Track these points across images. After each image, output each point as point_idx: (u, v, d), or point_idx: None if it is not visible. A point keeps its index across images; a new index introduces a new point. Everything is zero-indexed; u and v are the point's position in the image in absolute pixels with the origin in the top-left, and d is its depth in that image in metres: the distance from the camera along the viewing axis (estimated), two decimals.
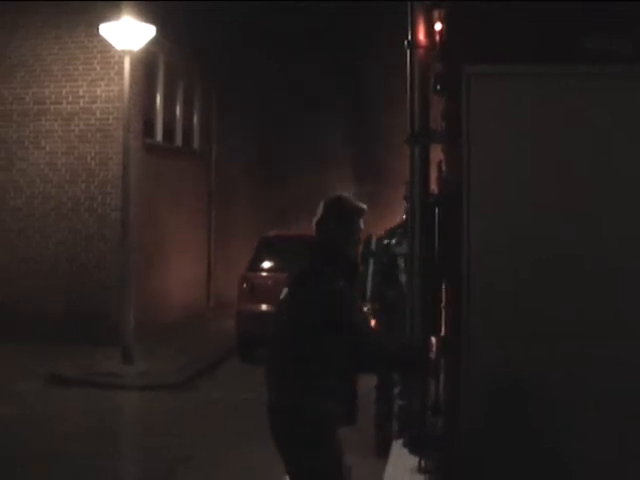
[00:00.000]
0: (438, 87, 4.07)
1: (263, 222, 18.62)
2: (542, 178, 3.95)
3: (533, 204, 3.96)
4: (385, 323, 7.55)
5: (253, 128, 20.85)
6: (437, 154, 4.23)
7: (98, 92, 14.30)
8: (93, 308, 13.95)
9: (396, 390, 7.42)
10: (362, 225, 4.57)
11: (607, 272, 3.91)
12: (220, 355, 13.80)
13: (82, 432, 9.16)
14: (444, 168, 4.17)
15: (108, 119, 14.28)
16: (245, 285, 13.61)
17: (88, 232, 14.42)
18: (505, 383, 3.97)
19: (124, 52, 12.37)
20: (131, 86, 12.42)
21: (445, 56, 4.07)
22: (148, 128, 15.52)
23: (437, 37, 4.16)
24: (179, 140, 17.39)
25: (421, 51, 4.11)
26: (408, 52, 4.14)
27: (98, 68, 14.29)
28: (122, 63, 12.54)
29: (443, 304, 4.17)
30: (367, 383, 7.12)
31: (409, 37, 4.13)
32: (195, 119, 18.33)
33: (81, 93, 14.37)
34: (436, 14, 4.19)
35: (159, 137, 16.27)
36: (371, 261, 7.63)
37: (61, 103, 14.46)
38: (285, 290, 4.51)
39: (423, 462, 5.10)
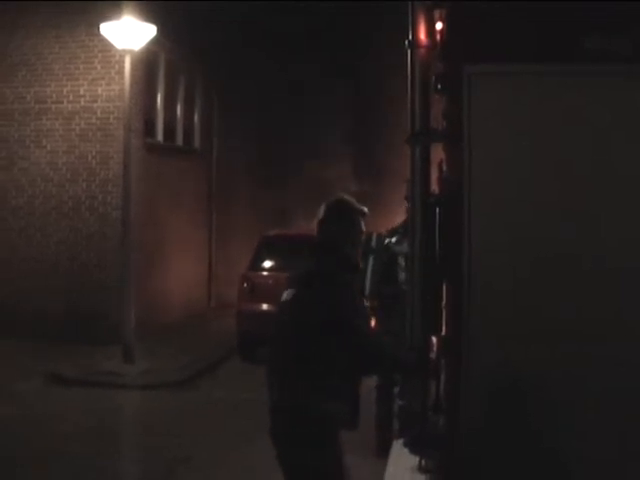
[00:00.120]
0: (439, 87, 4.07)
1: (263, 222, 18.61)
2: (542, 177, 3.96)
3: (533, 203, 3.96)
4: (383, 321, 7.56)
5: (253, 128, 20.86)
6: (438, 154, 4.23)
7: (99, 91, 14.31)
8: (93, 307, 13.96)
9: (396, 390, 7.42)
10: (364, 227, 4.60)
11: (607, 271, 3.91)
12: (221, 355, 13.80)
13: (82, 432, 9.16)
14: (445, 168, 4.17)
15: (109, 118, 14.29)
16: (246, 285, 13.62)
17: (89, 231, 14.43)
18: (505, 383, 3.97)
19: (125, 51, 12.37)
20: (132, 85, 12.42)
21: (446, 56, 4.07)
22: (149, 127, 15.53)
23: (438, 37, 4.16)
24: (180, 139, 17.40)
25: (422, 51, 4.11)
26: (409, 52, 4.14)
27: (99, 67, 14.30)
28: (123, 62, 12.55)
29: (444, 304, 4.18)
30: (367, 383, 7.12)
31: (410, 37, 4.14)
32: (196, 118, 18.34)
33: (82, 92, 14.38)
34: (437, 14, 4.20)
35: (160, 136, 16.28)
36: (371, 258, 7.64)
37: (62, 102, 14.47)
38: (288, 291, 4.51)
39: (424, 462, 5.11)
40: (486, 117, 3.96)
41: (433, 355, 4.29)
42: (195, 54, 17.24)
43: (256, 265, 13.87)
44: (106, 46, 13.41)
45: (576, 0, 3.94)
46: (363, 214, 4.58)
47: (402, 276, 7.25)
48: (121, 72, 13.00)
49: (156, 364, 12.47)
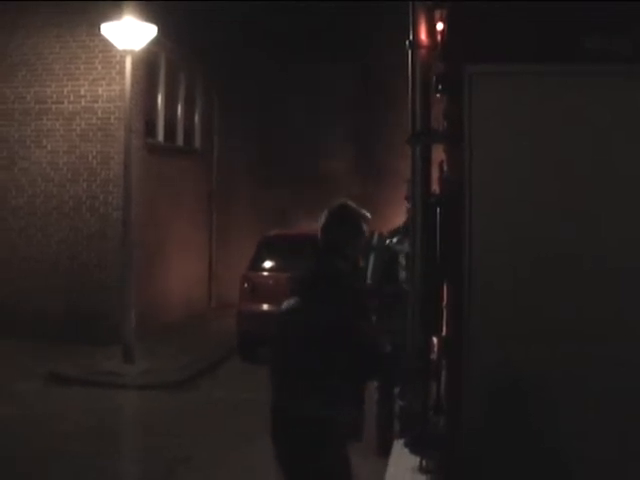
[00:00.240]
0: (440, 87, 4.07)
1: (263, 222, 18.62)
2: (542, 177, 3.96)
3: (533, 203, 3.96)
4: (384, 320, 7.55)
5: (253, 128, 20.87)
6: (439, 154, 4.24)
7: (100, 91, 14.32)
8: (94, 307, 13.96)
9: (397, 390, 7.42)
10: (367, 232, 4.62)
11: (607, 271, 3.91)
12: (221, 355, 13.81)
13: (82, 432, 9.16)
14: (445, 168, 4.17)
15: (109, 118, 14.30)
16: (246, 285, 13.62)
17: (89, 231, 14.44)
18: (505, 383, 3.97)
19: (125, 52, 12.38)
20: (132, 86, 12.43)
21: (446, 56, 4.07)
22: (149, 128, 15.53)
23: (438, 37, 4.16)
24: (180, 140, 17.41)
25: (422, 51, 4.11)
26: (409, 52, 4.14)
27: (100, 67, 14.31)
28: (123, 63, 12.55)
29: (444, 304, 4.18)
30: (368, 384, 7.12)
31: (410, 37, 4.14)
32: (196, 119, 18.35)
33: (82, 92, 14.39)
34: (437, 14, 4.20)
35: (160, 137, 16.29)
36: (372, 256, 7.65)
37: (62, 102, 14.47)
38: (292, 300, 4.49)
39: (424, 462, 5.11)
40: (486, 117, 3.97)
41: (434, 355, 4.29)
42: (195, 54, 17.24)
43: (256, 265, 13.87)
44: (107, 46, 13.42)
45: (576, 0, 3.94)
46: (366, 219, 4.60)
47: (402, 275, 7.27)
48: (122, 72, 13.01)
49: (156, 364, 12.47)
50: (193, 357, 13.23)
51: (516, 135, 3.97)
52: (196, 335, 15.46)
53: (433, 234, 4.11)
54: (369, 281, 7.66)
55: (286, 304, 4.56)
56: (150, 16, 12.62)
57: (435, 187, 4.24)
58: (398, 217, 9.03)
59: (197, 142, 18.35)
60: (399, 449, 6.03)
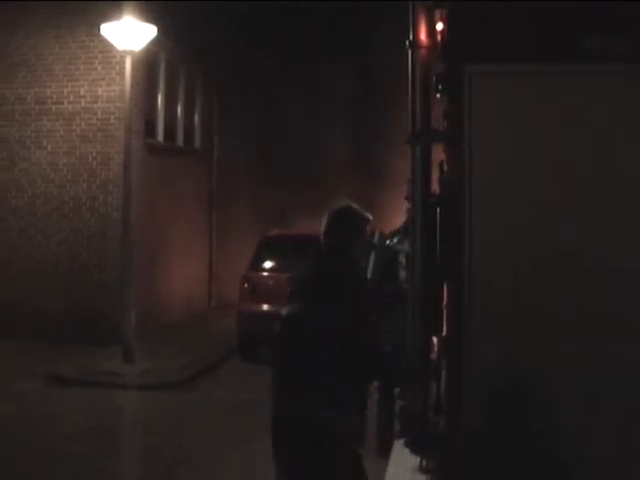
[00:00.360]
0: (440, 87, 4.07)
1: (263, 222, 18.62)
2: (542, 177, 3.96)
3: (533, 203, 3.96)
4: (384, 319, 7.55)
5: (253, 128, 20.86)
6: (439, 154, 4.24)
7: (99, 92, 14.32)
8: (93, 308, 13.96)
9: (397, 390, 7.42)
10: (367, 231, 4.62)
11: (607, 271, 3.91)
12: (221, 355, 13.81)
13: (82, 432, 9.17)
14: (445, 168, 4.17)
15: (109, 119, 14.30)
16: (246, 285, 13.62)
17: (89, 231, 14.45)
18: (505, 383, 3.97)
19: (125, 52, 12.38)
20: (132, 86, 12.43)
21: (446, 56, 4.07)
22: (149, 128, 15.53)
23: (438, 37, 4.16)
24: (180, 140, 17.41)
25: (422, 51, 4.11)
26: (409, 52, 4.14)
27: (99, 68, 14.31)
28: (123, 63, 12.56)
29: (444, 304, 4.18)
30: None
31: (410, 37, 4.14)
32: (196, 119, 18.35)
33: (82, 93, 14.39)
34: (437, 14, 4.20)
35: (160, 137, 16.29)
36: (372, 255, 7.65)
37: (62, 103, 14.48)
38: (294, 299, 4.49)
39: (424, 462, 5.11)
40: (486, 117, 3.97)
41: (434, 355, 4.29)
42: (195, 54, 17.24)
43: (256, 265, 13.87)
44: (106, 47, 13.42)
45: (576, 0, 3.94)
46: (366, 220, 4.60)
47: (402, 274, 7.27)
48: (122, 73, 13.01)
49: (156, 364, 12.47)
50: (193, 357, 13.23)
51: (516, 135, 3.97)
52: (196, 335, 15.47)
53: (433, 234, 4.11)
54: (369, 280, 7.65)
55: (287, 305, 4.55)
56: (150, 16, 12.62)
57: (435, 187, 4.24)
58: (398, 217, 9.03)
59: (197, 142, 18.35)
60: (399, 449, 6.03)
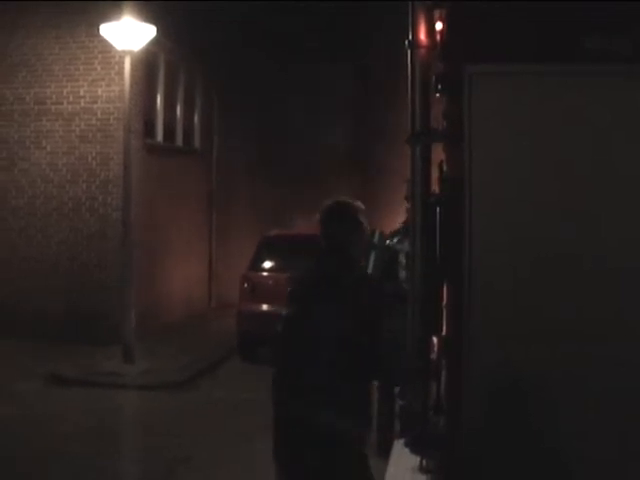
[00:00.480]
0: (439, 87, 4.07)
1: (263, 222, 18.62)
2: (542, 177, 3.96)
3: (533, 203, 3.96)
4: (384, 319, 7.55)
5: (253, 128, 20.86)
6: (438, 154, 4.24)
7: (99, 92, 14.32)
8: (93, 308, 13.96)
9: (397, 390, 7.42)
10: (365, 223, 4.57)
11: (607, 271, 3.91)
12: (221, 355, 13.81)
13: (82, 432, 9.16)
14: (445, 168, 4.17)
15: (109, 119, 14.29)
16: (246, 285, 13.62)
17: (89, 231, 14.44)
18: (505, 383, 3.97)
19: (125, 52, 12.38)
20: (132, 86, 12.43)
21: (446, 56, 4.07)
22: (149, 128, 15.53)
23: (438, 37, 4.16)
24: (180, 140, 17.40)
25: (422, 51, 4.11)
26: (409, 52, 4.14)
27: (99, 68, 14.30)
28: (123, 63, 12.55)
29: (444, 303, 4.18)
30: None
31: (410, 37, 4.14)
32: (196, 119, 18.34)
33: (82, 93, 14.39)
34: (437, 14, 4.20)
35: (160, 137, 16.28)
36: (372, 254, 7.65)
37: (62, 103, 14.47)
38: (294, 299, 4.48)
39: (424, 462, 5.11)
40: (486, 117, 3.97)
41: (434, 355, 4.29)
42: (195, 54, 17.24)
43: (256, 265, 13.87)
44: (106, 47, 13.41)
45: (576, 0, 3.94)
46: (361, 210, 4.54)
47: (402, 274, 7.27)
48: (121, 73, 13.01)
49: (156, 364, 12.47)
50: (193, 357, 13.23)
51: (516, 135, 3.97)
52: (196, 335, 15.46)
53: (433, 234, 4.11)
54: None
55: (286, 305, 4.55)
56: (149, 16, 12.61)
57: (435, 187, 4.24)
58: (398, 217, 9.03)
59: (197, 142, 18.35)
60: (399, 449, 6.03)
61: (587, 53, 3.90)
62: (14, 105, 14.62)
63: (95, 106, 14.35)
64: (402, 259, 7.43)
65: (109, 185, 14.33)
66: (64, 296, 14.20)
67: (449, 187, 4.07)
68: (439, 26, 4.16)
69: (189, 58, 17.21)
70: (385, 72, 17.65)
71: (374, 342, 4.40)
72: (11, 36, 14.51)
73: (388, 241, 7.91)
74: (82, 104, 14.40)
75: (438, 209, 4.10)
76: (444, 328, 4.19)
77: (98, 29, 12.71)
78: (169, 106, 16.71)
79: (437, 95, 4.14)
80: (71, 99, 14.43)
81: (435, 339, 4.29)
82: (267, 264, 13.89)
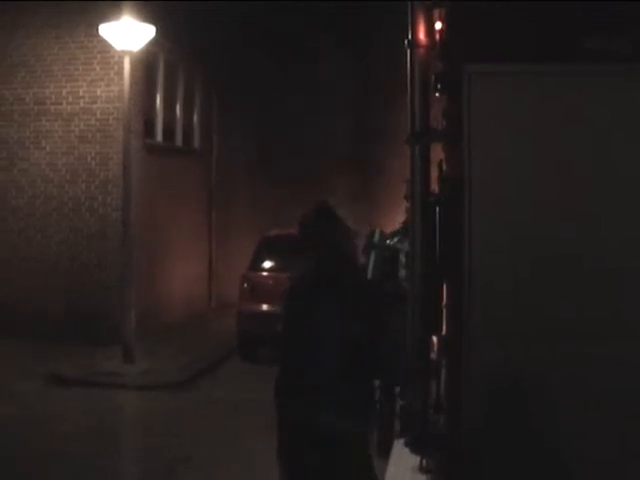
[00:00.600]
0: (439, 86, 4.07)
1: (263, 222, 18.61)
2: (542, 177, 3.96)
3: (533, 203, 3.96)
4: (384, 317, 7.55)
5: (253, 128, 20.85)
6: (438, 154, 4.23)
7: (98, 92, 14.31)
8: (94, 308, 13.95)
9: (397, 390, 7.41)
10: (349, 222, 4.60)
11: (607, 271, 3.91)
12: (221, 355, 13.80)
13: (82, 432, 9.16)
14: (445, 167, 4.17)
15: (108, 119, 14.28)
16: (246, 285, 13.62)
17: (89, 231, 14.43)
18: (505, 383, 3.97)
19: (124, 52, 12.37)
20: (131, 86, 12.42)
21: (446, 55, 4.07)
22: (148, 128, 15.52)
23: (437, 36, 4.16)
24: (179, 140, 17.39)
25: (421, 50, 4.12)
26: (408, 51, 4.15)
27: (98, 68, 14.29)
28: (122, 63, 12.54)
29: (444, 303, 4.18)
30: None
31: (409, 36, 4.14)
32: (195, 119, 18.33)
33: (81, 93, 14.38)
34: (436, 13, 4.20)
35: (159, 137, 16.27)
36: (373, 254, 7.65)
37: (61, 103, 14.46)
38: (296, 303, 4.48)
39: (424, 461, 5.11)
40: (486, 117, 3.97)
41: (434, 355, 4.29)
42: (195, 54, 17.23)
43: (256, 265, 13.87)
44: (105, 47, 13.40)
45: (576, 0, 3.94)
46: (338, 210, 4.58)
47: (403, 273, 7.27)
48: (120, 73, 13.00)
49: (156, 364, 12.47)
50: (193, 357, 13.22)
51: (516, 135, 3.97)
52: (196, 335, 15.46)
53: (433, 234, 4.11)
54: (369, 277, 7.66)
55: (284, 302, 4.55)
56: (148, 16, 12.61)
57: (434, 186, 4.24)
58: (398, 217, 9.03)
59: (196, 142, 18.34)
60: (399, 449, 6.03)
61: (587, 53, 3.90)
62: (14, 105, 14.61)
63: (94, 106, 14.34)
64: (402, 259, 7.43)
65: (109, 185, 14.33)
66: (64, 296, 14.19)
67: (449, 187, 4.07)
68: (439, 26, 4.16)
69: (189, 58, 17.21)
70: (385, 72, 17.62)
71: (374, 342, 4.40)
72: (11, 36, 14.50)
73: (388, 241, 7.91)
74: (81, 104, 14.39)
75: (438, 209, 4.10)
76: (444, 328, 4.19)
77: (97, 29, 12.70)
78: (169, 106, 16.70)
79: (437, 95, 4.14)
80: (70, 99, 14.42)
81: (435, 339, 4.29)
82: (267, 264, 13.88)
